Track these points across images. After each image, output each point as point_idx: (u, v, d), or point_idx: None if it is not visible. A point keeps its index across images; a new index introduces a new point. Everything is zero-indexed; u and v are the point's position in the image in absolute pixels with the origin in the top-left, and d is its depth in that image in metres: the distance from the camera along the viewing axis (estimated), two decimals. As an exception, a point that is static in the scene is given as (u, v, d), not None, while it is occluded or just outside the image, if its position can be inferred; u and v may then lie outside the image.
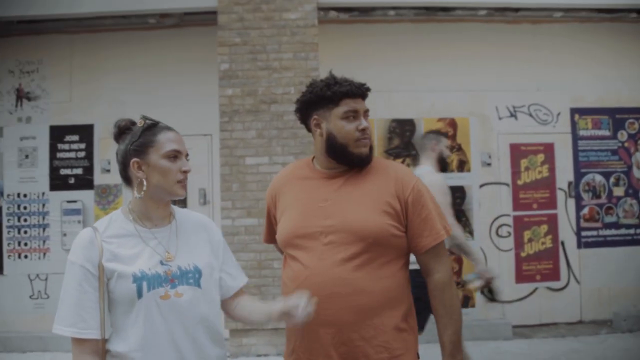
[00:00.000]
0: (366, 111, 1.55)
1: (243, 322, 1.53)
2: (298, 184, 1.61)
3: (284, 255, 1.62)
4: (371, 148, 1.56)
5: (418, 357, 1.54)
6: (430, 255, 1.52)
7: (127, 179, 1.40)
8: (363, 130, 1.51)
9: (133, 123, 1.41)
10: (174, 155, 1.36)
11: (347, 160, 1.54)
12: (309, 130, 1.61)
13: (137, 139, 1.36)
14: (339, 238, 1.45)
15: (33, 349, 4.49)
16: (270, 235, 1.74)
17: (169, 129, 1.40)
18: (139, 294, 1.27)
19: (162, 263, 1.33)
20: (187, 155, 1.40)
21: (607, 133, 4.97)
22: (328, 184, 1.54)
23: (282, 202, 1.62)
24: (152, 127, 1.38)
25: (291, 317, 1.31)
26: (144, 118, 1.39)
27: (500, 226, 4.82)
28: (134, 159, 1.35)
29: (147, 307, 1.28)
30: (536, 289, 4.82)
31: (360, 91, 1.53)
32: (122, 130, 1.41)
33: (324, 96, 1.51)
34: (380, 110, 4.70)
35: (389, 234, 1.46)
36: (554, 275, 4.85)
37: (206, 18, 4.50)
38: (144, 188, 1.34)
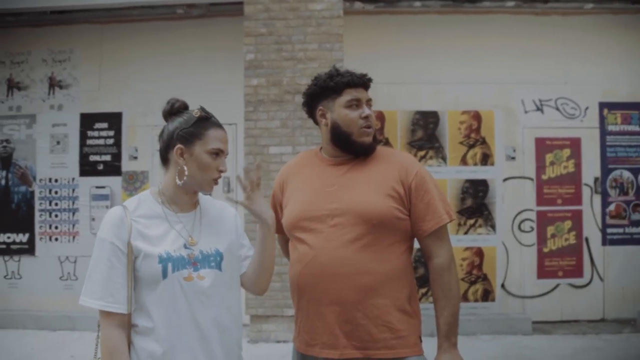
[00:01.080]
0: (369, 100, 1.62)
1: (261, 272, 1.52)
2: (306, 171, 1.68)
3: (289, 239, 1.67)
4: (375, 138, 1.63)
5: (421, 341, 1.57)
6: (431, 239, 1.57)
7: (165, 159, 1.43)
8: (366, 117, 1.58)
9: (186, 107, 1.45)
10: (216, 153, 1.39)
11: (351, 148, 1.60)
12: (316, 122, 1.68)
13: (189, 127, 1.38)
14: (345, 220, 1.51)
15: (62, 328, 4.67)
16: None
17: (219, 126, 1.43)
18: (164, 275, 1.31)
19: (185, 247, 1.37)
20: (226, 156, 1.44)
21: (637, 128, 4.84)
22: (334, 170, 1.61)
23: (289, 188, 1.68)
24: (205, 120, 1.41)
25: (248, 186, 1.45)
26: (201, 109, 1.42)
27: (523, 221, 4.77)
28: (179, 145, 1.37)
29: (171, 287, 1.32)
30: (558, 285, 4.76)
31: (361, 81, 1.60)
32: (175, 111, 1.43)
33: (328, 87, 1.59)
34: (404, 101, 4.69)
35: (392, 216, 1.52)
36: (577, 272, 4.78)
37: (232, 8, 4.55)
38: (186, 174, 1.37)
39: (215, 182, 1.41)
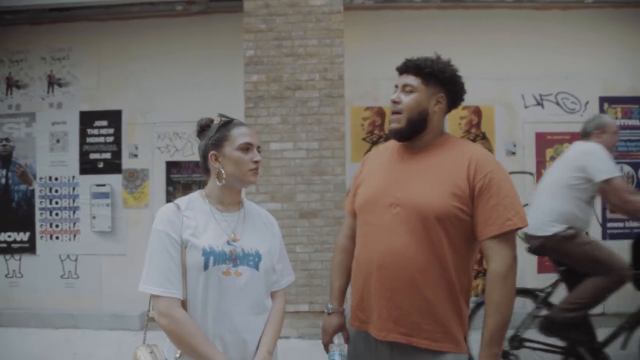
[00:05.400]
0: (405, 85, 1.62)
1: None
2: (384, 155, 1.74)
3: (357, 219, 1.74)
4: (410, 122, 1.60)
5: (465, 340, 1.60)
6: (491, 244, 1.50)
7: (206, 170, 1.58)
8: (393, 101, 1.63)
9: (211, 121, 1.59)
10: (246, 148, 1.53)
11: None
12: None
13: (214, 134, 1.54)
14: (404, 211, 1.54)
15: (65, 326, 4.68)
16: (352, 201, 1.82)
17: (241, 124, 1.58)
18: (206, 267, 1.44)
19: (228, 243, 1.49)
20: (259, 147, 1.57)
21: (637, 123, 4.85)
22: (407, 158, 1.65)
23: (365, 170, 1.77)
24: (227, 124, 1.56)
25: None
26: (220, 116, 1.57)
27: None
28: (212, 152, 1.53)
29: (210, 279, 1.44)
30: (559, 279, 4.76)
31: (399, 68, 1.66)
32: (203, 128, 1.59)
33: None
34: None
35: (452, 216, 1.50)
36: (578, 266, 4.78)
37: (232, 5, 4.54)
38: (224, 176, 1.52)
39: (254, 173, 1.54)
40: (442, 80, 1.62)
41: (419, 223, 1.51)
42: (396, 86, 1.65)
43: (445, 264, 1.52)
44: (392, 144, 1.74)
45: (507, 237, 1.50)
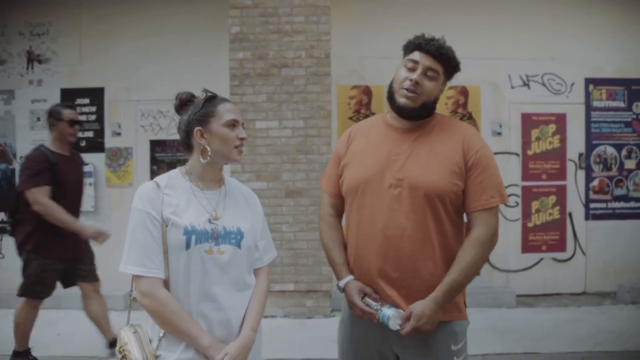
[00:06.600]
0: (429, 68, 1.56)
1: None
2: (373, 134, 1.70)
3: (348, 202, 1.70)
4: (424, 105, 1.59)
5: (465, 306, 1.68)
6: (477, 215, 1.58)
7: (188, 146, 1.53)
8: (412, 80, 1.56)
9: (193, 96, 1.54)
10: (233, 124, 1.49)
11: (392, 106, 1.63)
12: None
13: (200, 109, 1.49)
14: (408, 192, 1.56)
15: (48, 307, 4.56)
16: (335, 182, 1.77)
17: (226, 100, 1.53)
18: (187, 246, 1.41)
19: (210, 221, 1.46)
20: (242, 124, 1.53)
21: (621, 104, 4.89)
22: (401, 138, 1.63)
23: (353, 148, 1.71)
24: (212, 99, 1.51)
25: None
26: (205, 91, 1.52)
27: (508, 196, 4.79)
28: (197, 128, 1.47)
29: (192, 258, 1.41)
30: (541, 259, 4.85)
31: (429, 48, 1.56)
32: (184, 103, 1.53)
33: (405, 45, 1.64)
34: (392, 76, 4.64)
35: (452, 192, 1.56)
36: (560, 246, 4.87)
37: (217, -20, 4.45)
38: (209, 153, 1.47)
39: (239, 150, 1.50)
40: (452, 71, 1.65)
41: (422, 203, 1.55)
42: (415, 62, 1.57)
43: (447, 238, 1.59)
44: (379, 121, 1.72)
45: (491, 211, 1.58)
